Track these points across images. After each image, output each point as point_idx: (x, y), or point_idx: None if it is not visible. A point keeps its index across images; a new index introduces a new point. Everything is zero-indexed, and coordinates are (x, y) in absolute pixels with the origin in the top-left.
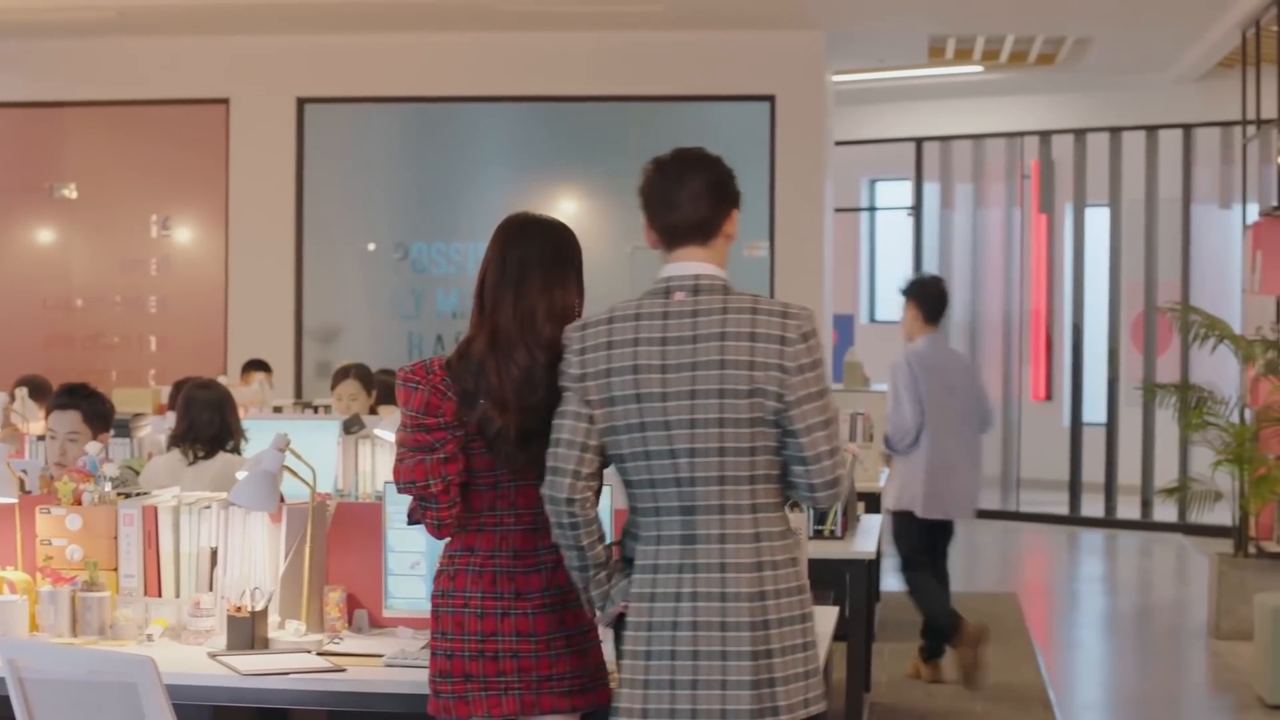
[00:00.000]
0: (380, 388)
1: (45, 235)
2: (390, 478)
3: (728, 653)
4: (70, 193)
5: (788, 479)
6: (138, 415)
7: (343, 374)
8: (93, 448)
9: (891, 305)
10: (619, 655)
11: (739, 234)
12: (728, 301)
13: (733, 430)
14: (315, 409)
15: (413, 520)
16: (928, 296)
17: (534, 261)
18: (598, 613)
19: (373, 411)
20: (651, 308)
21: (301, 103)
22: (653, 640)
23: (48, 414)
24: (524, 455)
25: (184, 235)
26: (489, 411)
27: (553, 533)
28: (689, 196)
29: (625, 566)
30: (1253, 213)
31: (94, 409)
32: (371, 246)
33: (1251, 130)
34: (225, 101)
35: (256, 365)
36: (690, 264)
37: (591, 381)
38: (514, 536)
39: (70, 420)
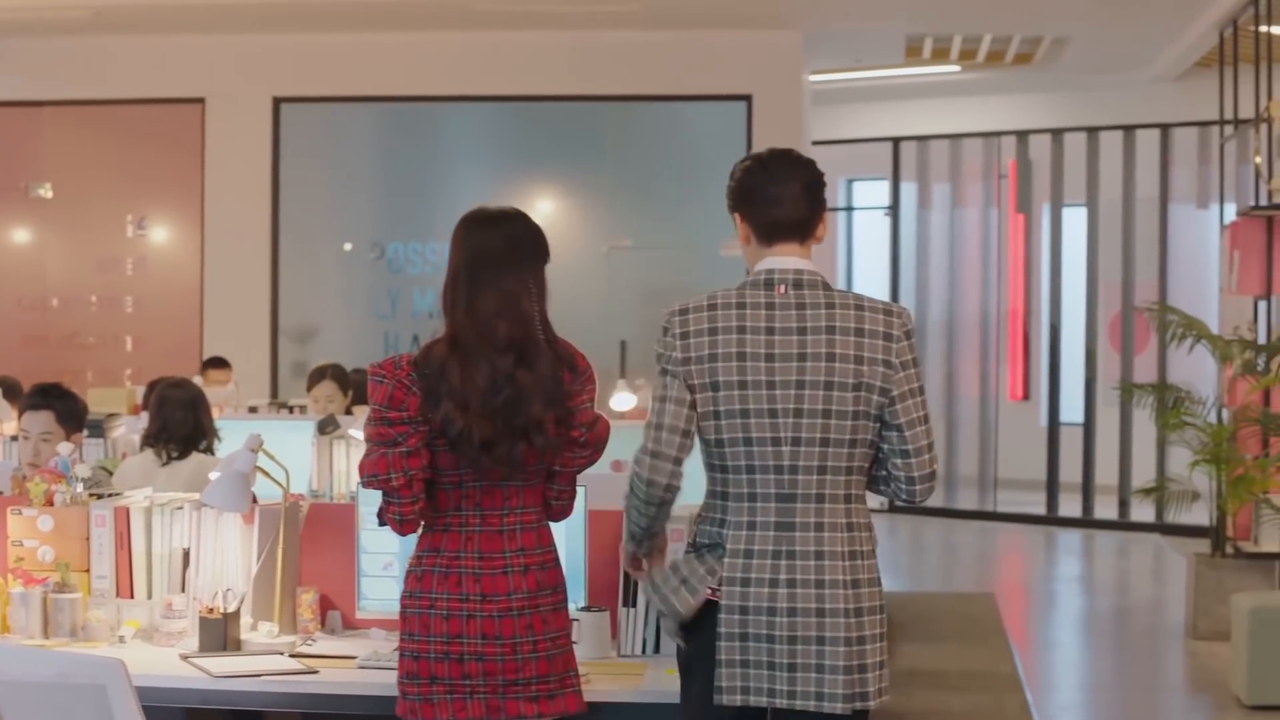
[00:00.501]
0: (357, 388)
1: (20, 235)
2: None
3: (824, 638)
4: (45, 192)
5: (883, 471)
6: (111, 415)
7: (319, 375)
8: (64, 448)
9: None
10: (687, 638)
11: (718, 233)
12: (832, 297)
13: (836, 422)
14: (290, 409)
15: (382, 520)
16: None
17: (484, 257)
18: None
19: (348, 412)
20: (755, 297)
21: (278, 102)
22: (749, 624)
23: (20, 414)
24: (487, 458)
25: (160, 235)
26: (451, 412)
27: (635, 508)
28: (791, 196)
29: (694, 551)
30: (1230, 212)
31: (67, 409)
32: (348, 246)
33: (1229, 130)
34: (201, 101)
35: (216, 363)
36: (790, 259)
37: (695, 366)
38: (479, 538)
39: (43, 420)
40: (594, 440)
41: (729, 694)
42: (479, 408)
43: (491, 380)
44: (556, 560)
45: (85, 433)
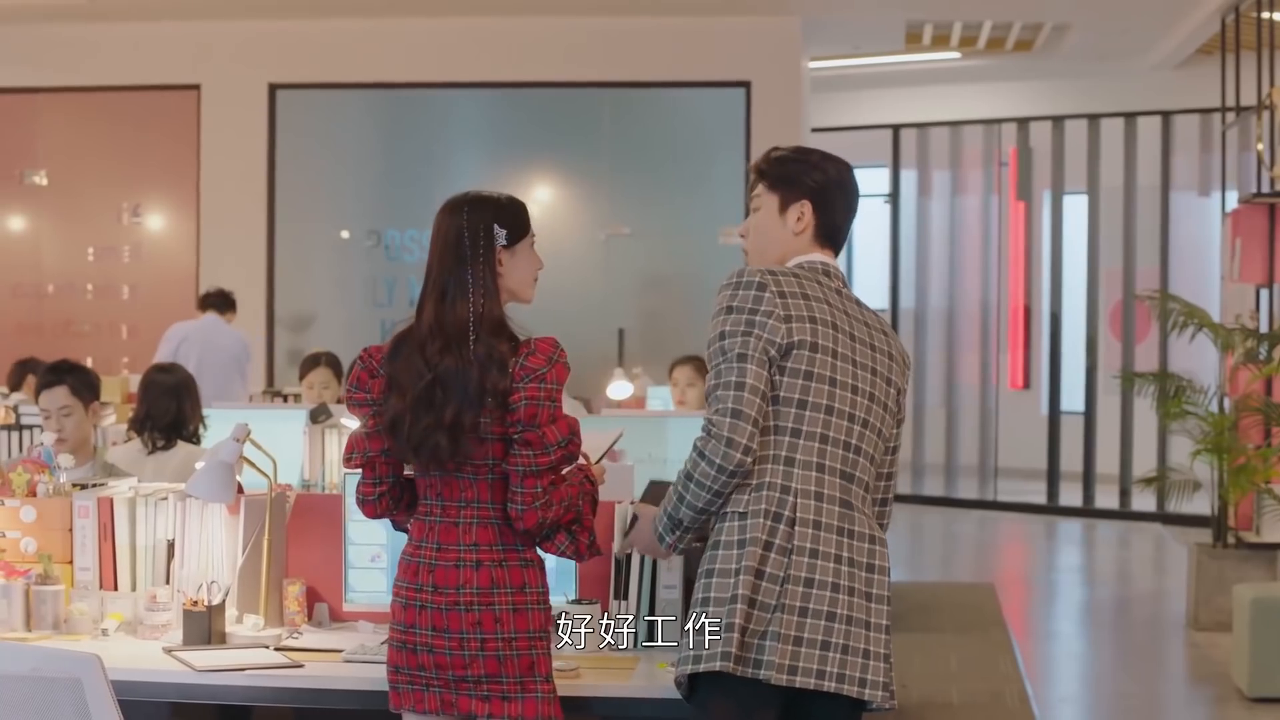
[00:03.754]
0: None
1: (15, 223)
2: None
3: (871, 624)
4: (41, 179)
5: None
6: (102, 404)
7: (312, 362)
8: (48, 438)
9: (871, 292)
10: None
11: (716, 221)
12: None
13: (887, 417)
14: (285, 398)
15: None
16: None
17: (435, 247)
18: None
19: (341, 401)
20: (825, 280)
21: (273, 89)
22: (812, 599)
23: (36, 396)
24: (409, 448)
25: (155, 223)
26: (389, 399)
27: (700, 484)
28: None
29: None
30: (1232, 200)
31: (81, 380)
32: (345, 234)
33: (1231, 117)
34: (196, 88)
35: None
36: (834, 262)
37: (795, 324)
38: (439, 529)
39: (60, 396)
40: (538, 441)
41: (778, 671)
42: (410, 397)
43: (418, 370)
44: (526, 561)
45: (102, 400)
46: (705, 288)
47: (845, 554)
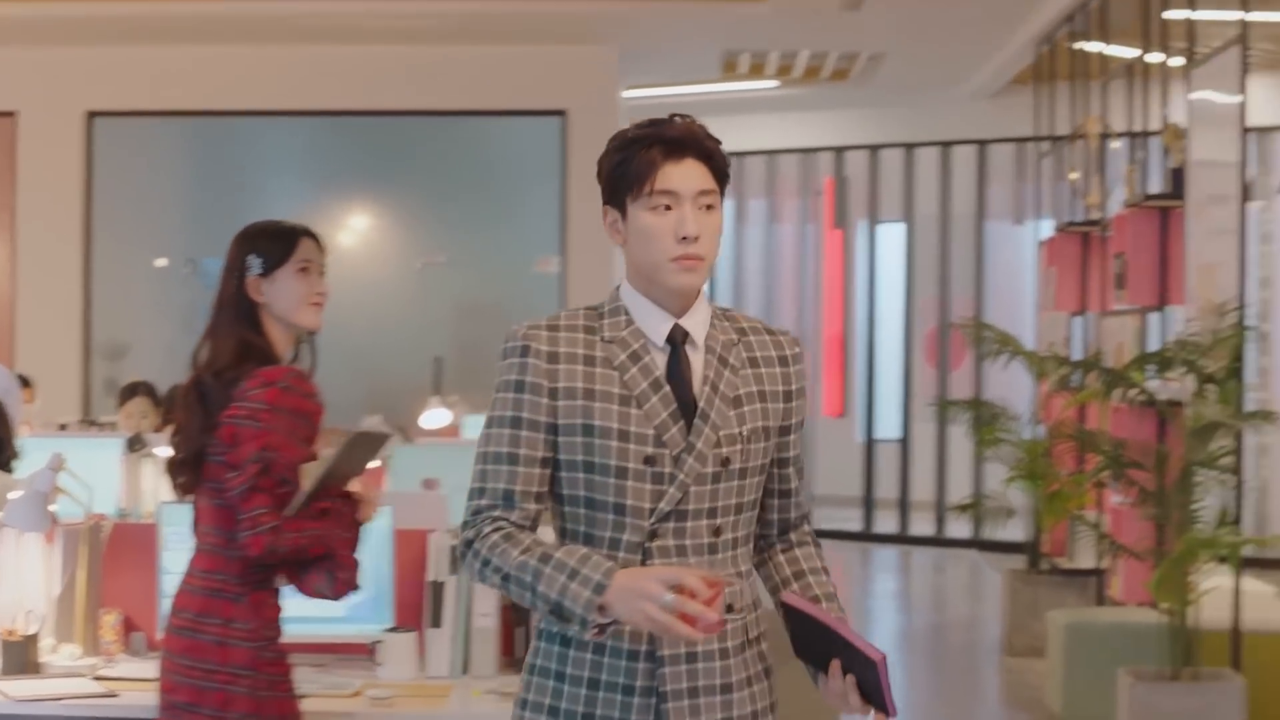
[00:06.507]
0: (168, 404)
1: None
2: (167, 498)
3: None
4: None
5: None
6: None
7: (130, 391)
8: None
9: None
10: None
11: (529, 251)
12: None
13: None
14: (100, 426)
15: None
16: None
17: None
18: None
19: (159, 430)
20: None
21: (91, 116)
22: None
23: None
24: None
25: None
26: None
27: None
28: None
29: None
30: (1046, 228)
31: None
32: (161, 262)
33: (1045, 146)
34: (13, 114)
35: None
36: None
37: None
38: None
39: None
40: (232, 461)
41: None
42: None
43: (185, 427)
44: (237, 594)
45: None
46: (522, 315)
47: None
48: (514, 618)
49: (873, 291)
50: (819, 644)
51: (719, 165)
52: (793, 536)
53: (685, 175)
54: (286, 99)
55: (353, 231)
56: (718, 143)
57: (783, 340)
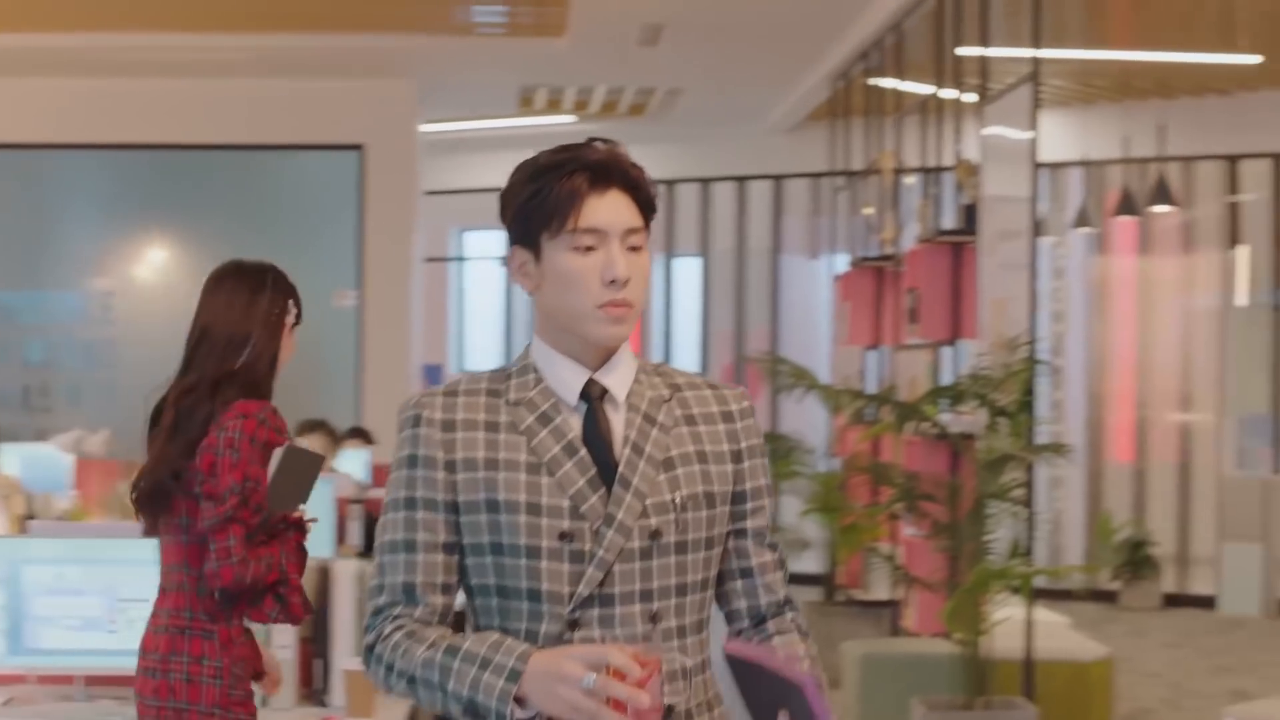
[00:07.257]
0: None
1: None
2: None
3: None
4: None
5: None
6: None
7: None
8: None
9: (486, 355)
10: None
11: (327, 284)
12: None
13: None
14: None
15: None
16: None
17: None
18: None
19: None
20: None
21: None
22: None
23: None
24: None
25: None
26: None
27: None
28: None
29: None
30: (841, 263)
31: None
32: None
33: (840, 181)
34: None
35: None
36: None
37: None
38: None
39: None
40: (209, 491)
41: None
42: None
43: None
44: (207, 630)
45: None
46: (320, 350)
47: None
48: (312, 649)
49: (669, 325)
50: (768, 698)
51: (646, 198)
52: (770, 627)
53: (612, 210)
54: (85, 132)
55: (150, 265)
56: (642, 171)
57: (727, 395)
